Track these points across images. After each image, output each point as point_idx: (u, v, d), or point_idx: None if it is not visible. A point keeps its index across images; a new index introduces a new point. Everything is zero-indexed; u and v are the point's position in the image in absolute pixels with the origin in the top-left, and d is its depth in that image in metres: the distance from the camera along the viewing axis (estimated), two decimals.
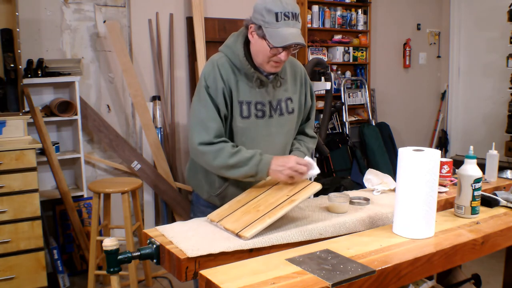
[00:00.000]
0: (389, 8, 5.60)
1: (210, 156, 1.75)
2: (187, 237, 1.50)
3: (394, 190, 1.93)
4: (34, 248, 2.95)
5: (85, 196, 3.61)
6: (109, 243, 1.42)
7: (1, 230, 2.85)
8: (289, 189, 1.70)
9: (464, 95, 6.13)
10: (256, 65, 1.81)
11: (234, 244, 1.45)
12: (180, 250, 1.41)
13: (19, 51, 3.14)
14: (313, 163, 1.75)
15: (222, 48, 1.87)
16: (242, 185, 1.85)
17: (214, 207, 1.87)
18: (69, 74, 3.55)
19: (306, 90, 1.99)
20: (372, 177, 2.02)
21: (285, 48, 1.72)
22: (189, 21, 4.19)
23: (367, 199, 1.85)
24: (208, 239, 1.50)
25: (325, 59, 4.94)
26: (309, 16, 4.83)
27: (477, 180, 1.65)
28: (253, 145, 1.82)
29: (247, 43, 1.82)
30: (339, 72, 5.21)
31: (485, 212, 1.72)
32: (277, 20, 1.67)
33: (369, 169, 2.06)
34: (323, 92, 4.19)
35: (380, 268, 1.24)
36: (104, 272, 3.19)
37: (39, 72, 3.41)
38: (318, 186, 1.67)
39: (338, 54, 5.08)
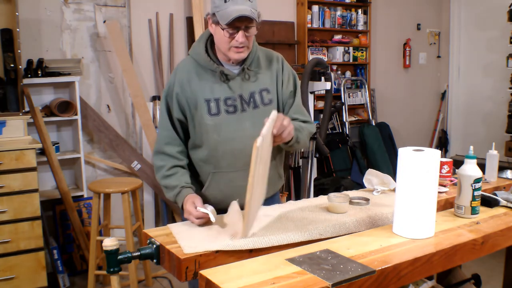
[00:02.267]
0: (389, 8, 5.60)
1: (154, 168, 1.89)
2: (192, 234, 1.51)
3: (394, 190, 1.93)
4: (34, 248, 2.95)
5: (85, 196, 3.61)
6: (109, 243, 1.42)
7: (1, 230, 2.86)
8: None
9: (464, 95, 6.12)
10: (221, 59, 1.81)
11: (234, 244, 1.45)
12: (180, 250, 1.41)
13: (19, 51, 3.14)
14: (211, 215, 1.61)
15: (190, 50, 1.90)
16: (223, 182, 1.84)
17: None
18: (69, 74, 3.56)
19: (284, 76, 1.90)
20: (372, 177, 2.02)
21: (238, 28, 1.69)
22: (189, 21, 4.19)
23: (367, 199, 1.84)
24: (212, 237, 1.50)
25: (325, 59, 4.94)
26: (309, 16, 4.83)
27: (477, 180, 1.65)
28: (228, 142, 1.79)
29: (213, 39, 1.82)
30: (339, 72, 5.21)
31: (485, 212, 1.71)
32: (225, 2, 1.68)
33: (369, 169, 2.05)
34: (323, 92, 4.19)
35: (380, 268, 1.24)
36: (104, 272, 3.20)
37: (39, 72, 3.41)
38: (272, 116, 1.52)
39: (338, 54, 5.08)
